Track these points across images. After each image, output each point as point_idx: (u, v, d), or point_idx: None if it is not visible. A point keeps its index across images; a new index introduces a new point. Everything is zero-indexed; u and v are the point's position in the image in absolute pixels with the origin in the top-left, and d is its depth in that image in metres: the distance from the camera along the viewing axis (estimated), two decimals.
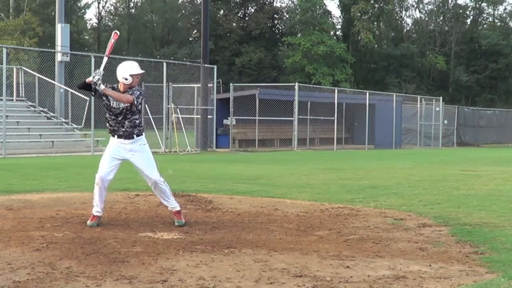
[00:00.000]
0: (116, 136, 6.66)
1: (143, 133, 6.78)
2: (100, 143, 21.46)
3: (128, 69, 6.50)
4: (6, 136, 18.02)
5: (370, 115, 30.44)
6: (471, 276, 4.72)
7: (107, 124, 6.71)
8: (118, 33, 6.94)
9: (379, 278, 4.59)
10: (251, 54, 57.00)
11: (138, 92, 6.53)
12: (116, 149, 6.67)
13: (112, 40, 6.82)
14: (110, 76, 6.83)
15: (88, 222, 6.60)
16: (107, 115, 6.66)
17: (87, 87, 6.47)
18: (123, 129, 6.60)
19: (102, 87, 6.38)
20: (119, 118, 6.57)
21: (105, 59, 6.77)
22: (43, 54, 25.53)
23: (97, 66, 20.50)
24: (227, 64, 55.37)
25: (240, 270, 4.77)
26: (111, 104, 6.55)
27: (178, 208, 6.83)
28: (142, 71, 6.66)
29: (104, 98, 6.57)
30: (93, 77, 6.37)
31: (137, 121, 6.62)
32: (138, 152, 6.66)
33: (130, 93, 6.48)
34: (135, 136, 6.63)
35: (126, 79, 6.47)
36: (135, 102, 6.47)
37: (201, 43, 26.03)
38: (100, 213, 6.68)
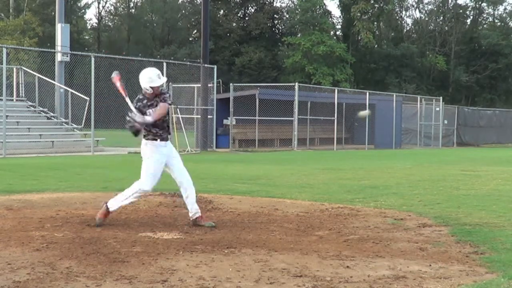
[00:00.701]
0: (159, 140, 6.57)
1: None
2: (100, 143, 21.49)
3: (147, 83, 6.49)
4: (6, 136, 18.02)
5: (370, 115, 30.39)
6: (471, 276, 4.72)
7: (148, 131, 6.53)
8: (116, 75, 6.75)
9: (379, 278, 4.59)
10: (251, 54, 57.02)
11: (168, 95, 6.65)
12: (161, 157, 6.60)
13: (119, 83, 6.74)
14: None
15: (98, 217, 6.57)
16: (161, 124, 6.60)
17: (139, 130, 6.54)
18: (165, 130, 6.64)
19: (149, 119, 6.40)
20: (159, 122, 6.54)
21: (127, 100, 6.65)
22: (43, 54, 25.54)
23: (97, 66, 20.41)
24: (227, 64, 55.39)
25: (240, 270, 4.77)
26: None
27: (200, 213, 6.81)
28: (163, 80, 6.66)
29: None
30: (142, 122, 6.38)
31: (168, 120, 6.73)
32: (172, 149, 6.75)
33: (161, 99, 6.53)
34: (169, 136, 6.76)
35: (147, 89, 6.54)
36: (170, 103, 6.61)
37: (201, 43, 26.02)
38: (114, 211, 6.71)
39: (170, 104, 6.62)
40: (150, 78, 6.51)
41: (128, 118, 6.40)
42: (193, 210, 6.75)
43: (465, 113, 40.10)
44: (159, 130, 6.58)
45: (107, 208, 6.63)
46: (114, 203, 6.67)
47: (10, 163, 14.80)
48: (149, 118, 6.40)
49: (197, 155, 21.25)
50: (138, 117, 6.39)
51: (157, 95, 6.56)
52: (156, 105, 6.51)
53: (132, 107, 6.53)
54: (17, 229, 6.28)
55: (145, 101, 6.57)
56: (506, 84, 62.63)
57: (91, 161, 16.48)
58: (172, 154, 6.71)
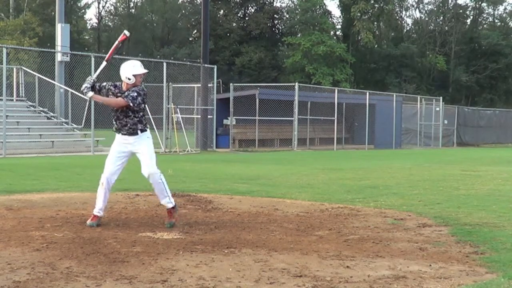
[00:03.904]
0: (120, 133, 6.68)
1: (147, 129, 6.79)
2: (100, 143, 21.47)
3: (130, 69, 6.51)
4: (6, 136, 18.02)
5: (370, 115, 30.44)
6: (471, 276, 4.72)
7: (113, 122, 6.71)
8: (128, 34, 6.83)
9: (379, 278, 4.59)
10: (251, 54, 57.01)
11: (135, 94, 6.49)
12: (120, 147, 6.69)
13: (116, 43, 6.79)
14: (115, 73, 6.80)
15: (88, 222, 6.59)
16: (112, 112, 6.69)
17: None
18: (127, 127, 6.61)
19: (90, 94, 6.46)
20: (120, 116, 6.59)
21: (103, 64, 6.72)
22: (43, 54, 25.53)
23: (97, 66, 20.46)
24: (227, 64, 55.38)
25: (240, 270, 4.77)
26: None
27: (171, 205, 6.73)
28: (145, 71, 6.65)
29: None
30: (82, 88, 6.48)
31: (137, 119, 6.60)
32: (142, 142, 6.68)
33: (125, 95, 6.49)
34: (139, 132, 6.65)
35: (129, 79, 6.50)
36: (131, 104, 6.46)
37: (201, 43, 26.03)
38: (101, 213, 6.67)
39: (130, 104, 6.45)
40: (134, 65, 6.54)
41: (88, 78, 6.57)
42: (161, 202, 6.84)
43: (465, 113, 40.11)
44: (121, 124, 6.61)
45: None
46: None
47: (10, 163, 14.79)
48: (90, 94, 6.44)
49: (197, 155, 21.25)
50: (87, 81, 6.50)
51: (134, 86, 6.52)
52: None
53: (95, 74, 6.63)
54: (17, 229, 6.28)
55: (117, 90, 6.57)
56: (506, 84, 62.62)
57: (91, 161, 16.47)
58: (139, 151, 6.65)
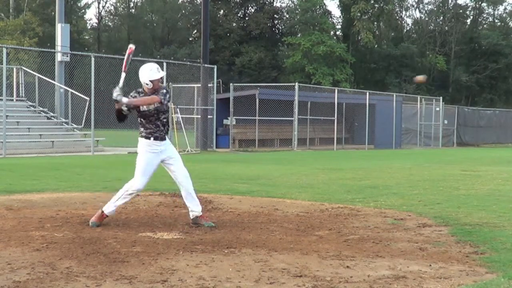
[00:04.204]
0: (152, 138, 6.52)
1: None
2: (100, 143, 21.50)
3: (147, 75, 6.46)
4: (6, 136, 18.02)
5: (370, 115, 30.44)
6: (471, 276, 4.72)
7: (142, 129, 6.54)
8: (133, 47, 6.79)
9: (379, 278, 4.59)
10: (251, 54, 57.03)
11: (165, 91, 6.53)
12: (154, 157, 6.56)
13: (126, 56, 6.79)
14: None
15: (91, 221, 6.55)
16: (140, 120, 6.54)
17: (121, 112, 6.45)
18: (159, 129, 6.55)
19: (125, 100, 6.32)
20: (152, 120, 6.51)
21: (123, 75, 6.64)
22: (43, 54, 25.54)
23: (97, 66, 20.45)
24: (227, 64, 55.38)
25: (240, 270, 4.77)
26: (140, 108, 6.47)
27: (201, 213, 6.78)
28: (162, 74, 6.61)
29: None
30: (115, 96, 6.32)
31: (165, 120, 6.60)
32: (169, 147, 6.68)
33: (156, 93, 6.49)
34: (166, 137, 6.66)
35: (147, 84, 6.49)
36: (164, 101, 6.46)
37: (201, 43, 26.04)
38: (111, 214, 6.65)
39: (163, 101, 6.43)
40: (151, 70, 6.50)
41: (114, 89, 6.37)
42: (194, 209, 6.73)
43: (465, 113, 40.12)
44: (152, 128, 6.52)
45: (102, 212, 6.62)
46: (108, 206, 6.64)
47: (10, 163, 14.79)
48: (125, 99, 6.31)
49: (197, 155, 21.25)
50: (115, 91, 6.33)
51: (156, 90, 6.50)
52: None
53: (120, 83, 6.46)
54: (17, 229, 6.28)
55: (142, 95, 6.55)
56: (506, 84, 62.65)
57: (91, 161, 16.49)
58: (170, 155, 6.66)
